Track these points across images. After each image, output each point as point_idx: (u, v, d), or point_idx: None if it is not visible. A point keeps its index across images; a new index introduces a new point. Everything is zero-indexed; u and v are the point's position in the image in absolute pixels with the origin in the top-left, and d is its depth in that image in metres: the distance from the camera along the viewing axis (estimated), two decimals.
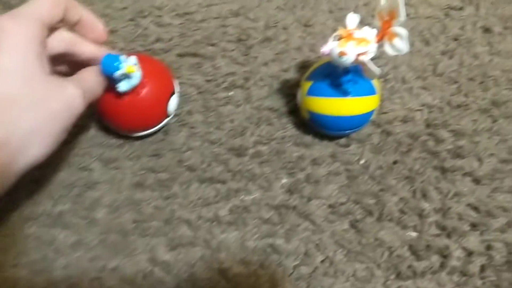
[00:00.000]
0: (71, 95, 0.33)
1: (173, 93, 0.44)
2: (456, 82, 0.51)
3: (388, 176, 0.46)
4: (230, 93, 0.49)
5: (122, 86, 0.39)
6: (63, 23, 0.35)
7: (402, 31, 0.37)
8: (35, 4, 0.33)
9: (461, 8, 0.56)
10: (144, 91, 0.41)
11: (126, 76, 0.38)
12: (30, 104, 0.30)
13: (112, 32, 0.51)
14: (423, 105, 0.50)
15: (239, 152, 0.46)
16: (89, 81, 0.36)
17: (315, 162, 0.47)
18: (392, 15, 0.38)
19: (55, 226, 0.43)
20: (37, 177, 0.44)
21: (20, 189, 0.44)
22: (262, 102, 0.49)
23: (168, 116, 0.45)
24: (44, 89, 0.31)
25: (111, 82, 0.39)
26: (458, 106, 0.50)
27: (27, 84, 0.30)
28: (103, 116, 0.43)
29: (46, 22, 0.33)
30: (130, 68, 0.38)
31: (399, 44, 0.37)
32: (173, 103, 0.44)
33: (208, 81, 0.50)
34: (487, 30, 0.55)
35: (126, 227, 0.43)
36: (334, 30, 0.53)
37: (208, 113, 0.48)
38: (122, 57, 0.38)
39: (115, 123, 0.43)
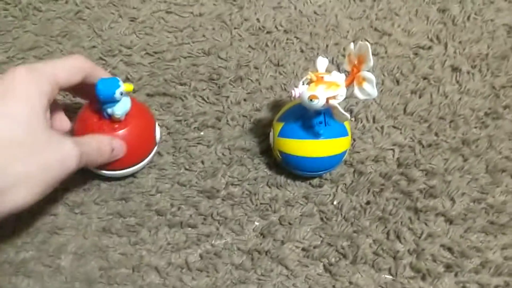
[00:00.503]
0: (67, 152, 0.34)
1: (155, 122, 0.45)
2: (426, 121, 0.52)
3: (361, 217, 0.46)
4: (201, 133, 0.48)
5: (118, 110, 0.39)
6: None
7: (371, 76, 0.37)
8: (56, 65, 0.35)
9: (430, 47, 0.57)
10: (136, 120, 0.41)
11: (121, 98, 0.39)
12: (28, 152, 0.31)
13: None
14: (394, 144, 0.50)
15: (210, 194, 0.45)
16: (90, 145, 0.37)
17: (288, 203, 0.46)
18: (360, 59, 0.38)
19: (17, 274, 0.41)
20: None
21: None
22: (234, 142, 0.48)
23: (155, 145, 0.44)
24: (44, 140, 0.33)
25: (104, 111, 0.39)
26: (429, 145, 0.50)
27: (29, 133, 0.32)
28: None
29: (60, 84, 0.35)
30: (128, 86, 0.38)
31: (369, 88, 0.38)
32: (158, 131, 0.44)
33: (178, 121, 0.49)
34: (455, 69, 0.56)
35: (92, 275, 0.41)
36: (306, 69, 0.54)
37: (178, 154, 0.47)
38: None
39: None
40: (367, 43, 0.36)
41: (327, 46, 0.56)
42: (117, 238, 0.42)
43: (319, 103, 0.38)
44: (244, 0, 0.58)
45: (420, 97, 0.53)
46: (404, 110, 0.52)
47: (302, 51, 0.55)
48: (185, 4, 0.56)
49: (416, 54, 0.57)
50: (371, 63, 0.37)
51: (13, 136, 0.31)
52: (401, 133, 0.51)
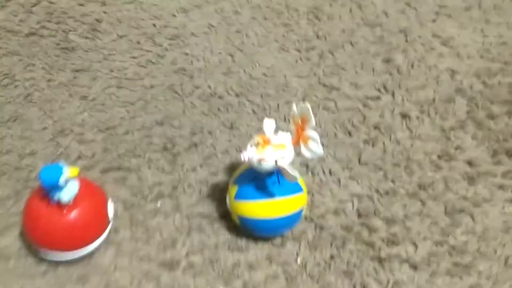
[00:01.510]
0: None
1: (107, 199, 0.44)
2: (381, 169, 0.53)
3: (326, 273, 0.45)
4: (158, 204, 0.48)
5: (65, 196, 0.38)
6: None
7: (314, 135, 0.38)
8: None
9: (378, 98, 0.59)
10: (85, 201, 0.41)
11: (67, 183, 0.38)
12: None
13: (31, 154, 0.50)
14: (352, 195, 0.50)
15: (170, 266, 0.44)
16: None
17: (251, 267, 0.45)
18: (303, 119, 0.39)
19: None
20: None
21: None
22: (192, 210, 0.48)
23: (109, 223, 0.44)
24: None
25: (50, 197, 0.39)
26: (386, 193, 0.51)
27: None
28: (40, 241, 0.41)
29: None
30: (73, 171, 0.38)
31: (314, 147, 0.38)
32: (111, 208, 0.44)
33: (134, 194, 0.48)
34: (405, 115, 0.57)
35: None
36: (259, 129, 0.54)
37: (136, 228, 0.46)
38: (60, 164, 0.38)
39: (58, 243, 0.41)
40: (307, 104, 0.38)
41: (278, 105, 0.57)
42: None
43: (268, 165, 0.39)
44: (194, 70, 0.59)
45: (373, 146, 0.55)
46: (359, 160, 0.53)
47: (254, 112, 0.56)
48: (136, 78, 0.57)
49: (365, 105, 0.58)
50: (313, 123, 0.38)
51: None
52: (358, 183, 0.51)
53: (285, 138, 0.40)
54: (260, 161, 0.39)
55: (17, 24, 0.59)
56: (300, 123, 0.39)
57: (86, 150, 0.51)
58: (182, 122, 0.54)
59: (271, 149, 0.39)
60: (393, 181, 0.52)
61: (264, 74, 0.60)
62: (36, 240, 0.41)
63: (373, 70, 0.62)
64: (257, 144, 0.40)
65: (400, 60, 0.63)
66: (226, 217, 0.48)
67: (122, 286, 0.43)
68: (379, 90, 0.60)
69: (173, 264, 0.44)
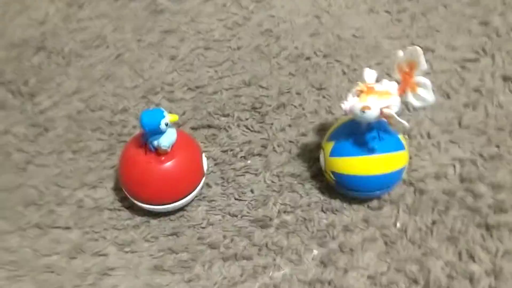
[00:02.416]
0: None
1: (202, 152, 0.43)
2: (484, 133, 0.49)
3: (429, 239, 0.42)
4: (248, 162, 0.47)
5: (165, 141, 0.38)
6: None
7: (425, 81, 0.35)
8: None
9: (476, 60, 0.55)
10: (183, 151, 0.40)
11: (166, 129, 0.38)
12: None
13: (123, 111, 0.50)
14: (454, 159, 0.47)
15: (263, 223, 0.43)
16: None
17: (347, 228, 0.43)
18: (412, 65, 0.36)
19: None
20: (48, 264, 0.41)
21: (27, 280, 0.40)
22: (282, 169, 0.46)
23: (204, 176, 0.43)
24: None
25: (150, 144, 0.38)
26: (491, 157, 0.47)
27: None
28: (136, 189, 0.40)
29: None
30: (173, 117, 0.38)
31: (424, 94, 0.36)
32: (205, 162, 0.43)
33: (224, 151, 0.47)
34: (507, 78, 0.53)
35: None
36: (350, 90, 0.52)
37: (227, 184, 0.45)
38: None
39: (155, 192, 0.40)
40: (417, 47, 0.35)
41: (369, 66, 0.54)
42: (170, 276, 0.40)
43: (372, 114, 0.36)
44: (281, 31, 0.57)
45: (474, 109, 0.51)
46: (459, 123, 0.49)
47: (344, 73, 0.54)
48: (222, 39, 0.56)
49: (463, 67, 0.54)
50: (424, 67, 0.35)
51: None
52: (459, 147, 0.48)
53: (391, 85, 0.37)
54: (363, 109, 0.36)
55: None
56: (407, 69, 0.37)
57: (176, 108, 0.50)
58: (269, 82, 0.53)
59: (376, 97, 0.36)
60: (497, 146, 0.48)
61: (354, 36, 0.57)
62: (132, 189, 0.41)
63: (470, 32, 0.58)
64: (359, 93, 0.37)
65: (498, 22, 0.58)
66: (317, 177, 0.46)
67: (215, 241, 0.42)
68: (477, 52, 0.56)
69: (266, 222, 0.43)
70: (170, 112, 0.48)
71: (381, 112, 0.37)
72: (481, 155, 0.47)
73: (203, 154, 0.43)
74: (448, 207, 0.44)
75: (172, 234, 0.42)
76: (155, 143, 0.38)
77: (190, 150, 0.41)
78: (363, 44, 0.56)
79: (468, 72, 0.54)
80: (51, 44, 0.55)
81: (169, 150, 0.39)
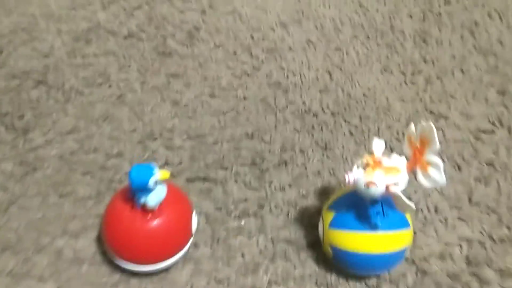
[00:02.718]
0: None
1: (193, 211, 0.41)
2: (495, 211, 0.46)
3: None
4: (242, 222, 0.44)
5: (152, 200, 0.35)
6: None
7: (437, 161, 0.33)
8: None
9: (492, 131, 0.52)
10: (171, 209, 0.38)
11: (156, 186, 0.35)
12: None
13: (118, 155, 0.48)
14: (461, 239, 0.44)
15: None
16: None
17: None
18: (424, 142, 0.34)
19: None
20: None
21: None
22: (277, 233, 0.44)
23: (191, 237, 0.40)
24: None
25: (136, 199, 0.36)
26: (501, 240, 0.44)
27: None
28: (119, 247, 0.38)
29: None
30: (164, 174, 0.35)
31: (435, 174, 0.33)
32: (195, 221, 0.40)
33: (218, 208, 0.45)
34: None
35: None
36: (356, 153, 0.50)
37: (217, 246, 0.42)
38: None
39: (138, 251, 0.38)
40: (431, 124, 0.32)
41: (378, 129, 0.52)
42: None
43: (377, 190, 0.34)
44: (289, 84, 0.56)
45: (486, 185, 0.48)
46: (469, 199, 0.47)
47: (351, 134, 0.52)
48: (229, 88, 0.54)
49: (477, 138, 0.52)
50: (437, 146, 0.33)
51: None
52: (468, 225, 0.45)
53: (399, 161, 0.35)
54: (368, 185, 0.34)
55: (117, 25, 0.59)
56: (418, 145, 0.34)
57: (173, 157, 0.48)
58: (273, 137, 0.51)
59: (382, 172, 0.34)
60: (508, 228, 0.45)
61: (364, 95, 0.55)
62: (114, 246, 0.38)
63: (486, 101, 0.56)
64: (365, 166, 0.35)
65: None
66: (314, 246, 0.43)
67: None
68: (493, 123, 0.54)
69: None
70: (165, 163, 0.46)
71: (387, 189, 0.34)
72: (490, 237, 0.44)
73: (194, 212, 0.40)
74: None
75: None
76: (142, 200, 0.36)
77: (179, 208, 0.39)
78: (374, 104, 0.54)
79: (482, 143, 0.52)
80: (52, 78, 0.53)
81: (155, 209, 0.36)
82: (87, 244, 0.42)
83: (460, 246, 0.43)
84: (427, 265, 0.42)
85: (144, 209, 0.36)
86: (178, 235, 0.39)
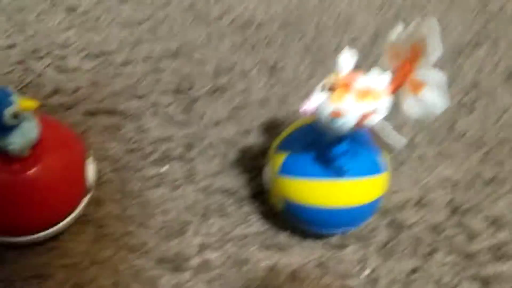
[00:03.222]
0: None
1: (88, 154, 0.30)
2: (483, 145, 0.38)
3: None
4: (163, 169, 0.34)
5: (14, 143, 0.25)
6: None
7: (438, 77, 0.22)
8: None
9: (476, 46, 0.44)
10: (51, 154, 0.28)
11: (19, 121, 0.25)
12: None
13: None
14: (443, 180, 0.36)
15: (175, 264, 0.31)
16: None
17: (294, 276, 0.31)
18: (417, 50, 0.23)
19: None
20: None
21: None
22: (211, 181, 0.34)
23: (88, 192, 0.30)
24: None
25: None
26: (491, 180, 0.36)
27: None
28: None
29: None
30: (26, 104, 0.24)
31: (432, 98, 0.23)
32: (92, 170, 0.30)
33: (130, 151, 0.35)
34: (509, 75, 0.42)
35: None
36: (312, 75, 0.40)
37: (129, 201, 0.33)
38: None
39: (9, 219, 0.28)
40: (433, 20, 0.22)
41: (339, 41, 0.42)
42: None
43: (347, 123, 0.24)
44: None
45: (470, 112, 0.40)
46: (451, 130, 0.38)
47: (307, 49, 0.41)
48: None
49: (459, 54, 0.44)
50: (438, 54, 0.22)
51: None
52: (451, 164, 0.37)
53: (380, 80, 0.24)
54: (334, 115, 0.23)
55: None
56: (407, 56, 0.24)
57: (67, 82, 0.37)
58: (205, 55, 0.40)
59: (354, 97, 0.23)
60: (500, 164, 0.37)
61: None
62: None
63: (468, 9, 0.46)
64: (330, 88, 0.24)
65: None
66: (259, 197, 0.34)
67: None
68: (476, 36, 0.44)
69: (179, 262, 0.31)
70: (54, 91, 0.35)
71: (361, 121, 0.24)
72: (478, 176, 0.36)
73: (90, 158, 0.30)
74: (434, 249, 0.33)
75: (36, 277, 0.29)
76: (1, 143, 0.24)
77: (63, 153, 0.28)
78: (334, 11, 0.44)
79: (464, 60, 0.43)
80: None
81: (25, 154, 0.26)
82: None
83: (443, 189, 0.35)
84: (402, 216, 0.34)
85: (7, 156, 0.25)
86: (66, 191, 0.28)
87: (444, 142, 0.38)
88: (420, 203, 0.34)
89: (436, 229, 0.33)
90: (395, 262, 0.32)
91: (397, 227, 0.33)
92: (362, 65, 0.39)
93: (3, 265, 0.29)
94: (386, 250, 0.32)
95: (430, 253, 0.32)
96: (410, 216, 0.34)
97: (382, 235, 0.33)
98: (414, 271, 0.32)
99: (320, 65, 0.41)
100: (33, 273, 0.29)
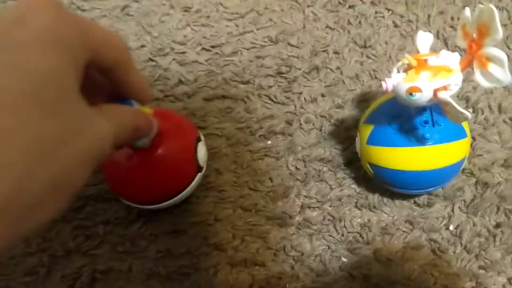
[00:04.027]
0: (104, 134, 0.22)
1: (198, 139, 0.34)
2: None
3: (490, 247, 0.33)
4: (268, 142, 0.39)
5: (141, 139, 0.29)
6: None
7: (500, 54, 0.25)
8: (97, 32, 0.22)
9: None
10: (166, 143, 0.31)
11: None
12: (56, 145, 0.19)
13: None
14: None
15: (281, 221, 0.36)
16: (125, 119, 0.24)
17: (385, 231, 0.35)
18: (482, 31, 0.26)
19: None
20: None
21: None
22: (309, 152, 0.38)
23: (200, 170, 0.34)
24: (76, 122, 0.20)
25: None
26: None
27: (56, 114, 0.19)
28: (117, 189, 0.34)
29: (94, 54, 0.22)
30: (146, 109, 0.28)
31: (497, 72, 0.25)
32: (202, 151, 0.34)
33: (240, 129, 0.39)
34: None
35: None
36: (402, 49, 0.42)
37: (241, 170, 0.38)
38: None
39: (136, 193, 0.33)
40: (492, 6, 0.24)
41: (428, 16, 0.43)
42: (169, 284, 0.34)
43: (422, 98, 0.27)
44: None
45: None
46: None
47: (396, 25, 0.43)
48: None
49: None
50: (500, 34, 0.24)
51: (32, 124, 0.19)
52: None
53: (451, 58, 0.27)
54: (411, 91, 0.27)
55: None
56: (475, 36, 0.26)
57: (187, 73, 0.42)
58: (301, 39, 0.43)
59: (428, 75, 0.27)
60: None
61: None
62: (113, 187, 0.34)
63: None
64: (407, 68, 0.28)
65: None
66: (353, 164, 0.37)
67: (223, 241, 0.35)
68: None
69: (285, 219, 0.36)
70: (179, 81, 0.41)
71: (435, 95, 0.27)
72: None
73: (201, 142, 0.35)
74: None
75: (172, 232, 0.36)
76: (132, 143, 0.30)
77: (177, 139, 0.33)
78: None
79: None
80: None
81: (147, 146, 0.31)
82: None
83: None
84: (489, 176, 0.36)
85: (134, 148, 0.31)
86: (177, 169, 0.33)
87: None
88: (506, 164, 0.36)
89: None
90: (479, 218, 0.34)
91: (482, 186, 0.35)
92: (450, 38, 0.41)
93: (150, 224, 0.36)
94: (471, 208, 0.34)
95: None
96: (495, 176, 0.35)
97: (467, 194, 0.35)
98: (497, 226, 0.34)
99: (409, 39, 0.43)
100: (173, 228, 0.36)
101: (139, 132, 0.26)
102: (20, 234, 0.19)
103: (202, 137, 0.35)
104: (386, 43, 0.43)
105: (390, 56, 0.42)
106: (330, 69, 0.42)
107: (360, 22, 0.44)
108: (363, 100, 0.40)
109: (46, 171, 0.19)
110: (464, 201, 0.35)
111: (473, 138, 0.37)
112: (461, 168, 0.33)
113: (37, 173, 0.19)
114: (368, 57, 0.42)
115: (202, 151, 0.34)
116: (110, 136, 0.22)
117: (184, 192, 0.33)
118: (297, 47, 0.43)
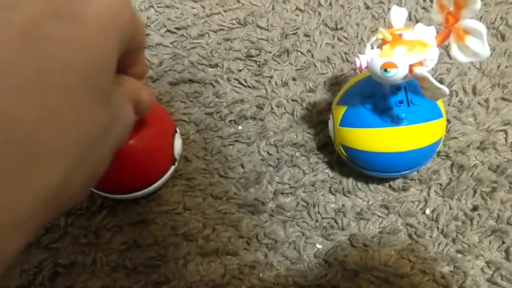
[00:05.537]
0: (130, 123, 0.21)
1: (175, 131, 0.33)
2: None
3: (467, 231, 0.33)
4: (239, 128, 0.37)
5: None
6: None
7: (478, 26, 0.24)
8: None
9: None
10: (143, 132, 0.30)
11: None
12: (102, 134, 0.18)
13: None
14: (506, 123, 0.36)
15: (254, 208, 0.34)
16: (142, 98, 0.23)
17: (360, 216, 0.34)
18: (459, 2, 0.25)
19: None
20: None
21: None
22: (281, 137, 0.37)
23: (174, 162, 0.33)
24: (116, 108, 0.19)
25: None
26: None
27: (104, 100, 0.18)
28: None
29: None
30: None
31: (475, 45, 0.24)
32: (178, 143, 0.33)
33: (209, 114, 0.38)
34: None
35: None
36: (374, 31, 0.41)
37: (211, 157, 0.36)
38: None
39: (108, 182, 0.31)
40: None
41: None
42: (134, 277, 0.32)
43: (397, 74, 0.26)
44: None
45: None
46: None
47: (367, 7, 0.42)
48: None
49: None
50: (478, 4, 0.23)
51: (79, 112, 0.17)
52: None
53: (426, 32, 0.26)
54: (386, 67, 0.26)
55: None
56: (452, 9, 0.25)
57: (151, 57, 0.40)
58: (270, 21, 0.42)
59: (404, 49, 0.26)
60: None
61: None
62: None
63: None
64: (381, 43, 0.26)
65: None
66: (326, 148, 0.36)
67: (193, 231, 0.33)
68: None
69: (258, 206, 0.34)
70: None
71: (411, 71, 0.26)
72: None
73: (177, 134, 0.33)
74: (495, 188, 0.34)
75: (138, 222, 0.34)
76: None
77: (155, 127, 0.31)
78: None
79: None
80: None
81: None
82: None
83: (505, 132, 0.36)
84: (464, 159, 0.35)
85: None
86: (154, 157, 0.32)
87: (508, 86, 0.38)
88: (481, 146, 0.35)
89: (497, 170, 0.34)
90: (456, 202, 0.33)
91: (458, 169, 0.34)
92: (422, 19, 0.40)
93: (114, 215, 0.34)
94: (447, 191, 0.34)
95: (491, 192, 0.33)
96: (471, 158, 0.35)
97: (443, 177, 0.34)
98: (474, 209, 0.33)
99: (381, 20, 0.42)
100: (139, 219, 0.34)
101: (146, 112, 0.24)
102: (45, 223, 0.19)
103: (177, 129, 0.34)
104: (357, 25, 0.42)
105: (361, 39, 0.41)
106: (301, 52, 0.40)
107: (330, 4, 0.43)
108: (335, 84, 0.39)
109: (90, 162, 0.18)
110: (440, 184, 0.34)
111: (448, 121, 0.36)
112: (437, 151, 0.33)
113: (84, 164, 0.17)
114: (339, 39, 0.41)
115: (178, 143, 0.33)
116: (133, 123, 0.21)
117: (156, 184, 0.32)
118: (267, 29, 0.41)
